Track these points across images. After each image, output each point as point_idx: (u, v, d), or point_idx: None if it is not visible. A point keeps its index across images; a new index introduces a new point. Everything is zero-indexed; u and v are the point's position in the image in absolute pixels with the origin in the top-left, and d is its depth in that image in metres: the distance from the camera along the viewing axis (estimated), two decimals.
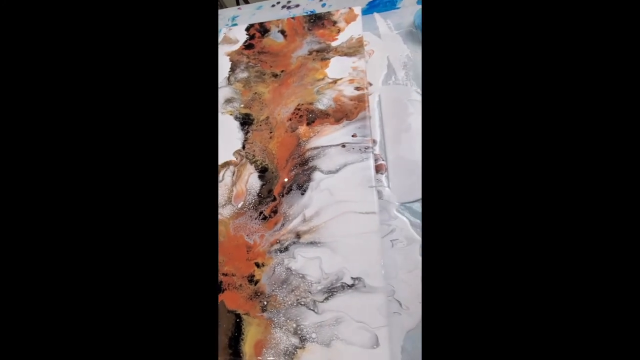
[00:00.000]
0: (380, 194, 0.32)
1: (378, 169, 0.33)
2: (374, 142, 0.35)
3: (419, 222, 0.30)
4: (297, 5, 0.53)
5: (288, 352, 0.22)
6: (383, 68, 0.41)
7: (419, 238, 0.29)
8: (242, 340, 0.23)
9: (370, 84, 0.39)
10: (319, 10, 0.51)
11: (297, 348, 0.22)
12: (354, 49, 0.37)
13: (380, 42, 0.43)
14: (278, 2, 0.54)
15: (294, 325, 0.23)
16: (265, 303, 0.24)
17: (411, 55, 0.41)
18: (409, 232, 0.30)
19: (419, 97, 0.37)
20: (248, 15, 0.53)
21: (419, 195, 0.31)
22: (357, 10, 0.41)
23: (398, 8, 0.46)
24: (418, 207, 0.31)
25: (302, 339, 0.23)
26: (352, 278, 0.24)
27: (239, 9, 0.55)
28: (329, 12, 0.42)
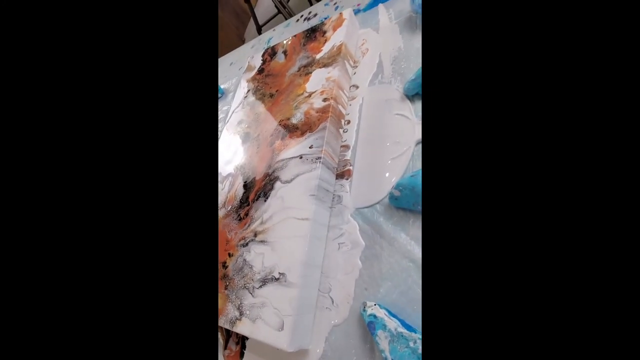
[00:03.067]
0: (340, 199, 0.34)
1: (344, 174, 0.36)
2: (347, 147, 0.37)
3: (367, 227, 0.31)
4: (316, 15, 0.56)
5: (231, 321, 0.30)
6: (373, 67, 0.41)
7: (363, 243, 0.31)
8: None
9: (357, 87, 0.40)
10: (333, 14, 0.53)
11: (237, 319, 0.30)
12: (333, 58, 0.39)
13: (376, 38, 0.43)
14: (302, 16, 0.59)
15: (239, 302, 0.31)
16: (227, 283, 0.33)
17: (402, 47, 0.39)
18: (356, 236, 0.31)
19: (398, 95, 0.36)
20: (279, 35, 0.61)
21: (373, 200, 0.32)
22: (347, 14, 0.42)
23: None
24: (368, 212, 0.32)
25: (241, 314, 0.30)
26: (279, 273, 0.29)
27: (273, 30, 0.63)
28: (322, 23, 0.44)
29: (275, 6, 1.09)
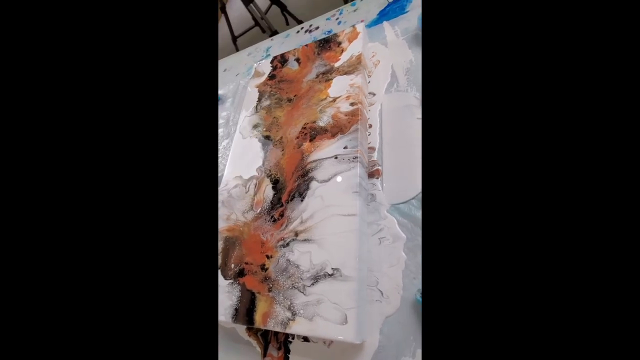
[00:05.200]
0: (373, 197, 0.36)
1: (374, 174, 0.38)
2: (373, 149, 0.39)
3: (405, 221, 0.33)
4: (317, 28, 0.59)
5: (283, 323, 0.30)
6: (387, 77, 0.44)
7: (404, 236, 0.33)
8: (255, 311, 0.32)
9: (374, 94, 0.43)
10: (336, 28, 0.56)
11: (289, 320, 0.29)
12: (353, 66, 0.42)
13: (386, 51, 0.46)
14: (302, 28, 0.61)
15: (289, 303, 0.30)
16: (271, 285, 0.32)
17: (414, 60, 0.43)
18: (396, 230, 0.33)
19: (417, 102, 0.39)
20: (278, 45, 0.62)
21: (408, 196, 0.34)
22: (360, 27, 0.45)
23: (407, 12, 0.48)
24: (405, 207, 0.34)
25: (294, 314, 0.30)
26: (332, 269, 0.30)
27: (271, 39, 0.64)
28: (335, 34, 0.47)
29: (253, 18, 1.10)
